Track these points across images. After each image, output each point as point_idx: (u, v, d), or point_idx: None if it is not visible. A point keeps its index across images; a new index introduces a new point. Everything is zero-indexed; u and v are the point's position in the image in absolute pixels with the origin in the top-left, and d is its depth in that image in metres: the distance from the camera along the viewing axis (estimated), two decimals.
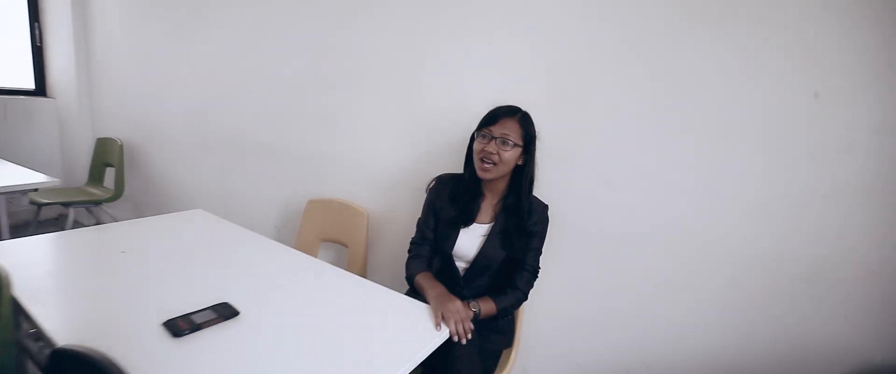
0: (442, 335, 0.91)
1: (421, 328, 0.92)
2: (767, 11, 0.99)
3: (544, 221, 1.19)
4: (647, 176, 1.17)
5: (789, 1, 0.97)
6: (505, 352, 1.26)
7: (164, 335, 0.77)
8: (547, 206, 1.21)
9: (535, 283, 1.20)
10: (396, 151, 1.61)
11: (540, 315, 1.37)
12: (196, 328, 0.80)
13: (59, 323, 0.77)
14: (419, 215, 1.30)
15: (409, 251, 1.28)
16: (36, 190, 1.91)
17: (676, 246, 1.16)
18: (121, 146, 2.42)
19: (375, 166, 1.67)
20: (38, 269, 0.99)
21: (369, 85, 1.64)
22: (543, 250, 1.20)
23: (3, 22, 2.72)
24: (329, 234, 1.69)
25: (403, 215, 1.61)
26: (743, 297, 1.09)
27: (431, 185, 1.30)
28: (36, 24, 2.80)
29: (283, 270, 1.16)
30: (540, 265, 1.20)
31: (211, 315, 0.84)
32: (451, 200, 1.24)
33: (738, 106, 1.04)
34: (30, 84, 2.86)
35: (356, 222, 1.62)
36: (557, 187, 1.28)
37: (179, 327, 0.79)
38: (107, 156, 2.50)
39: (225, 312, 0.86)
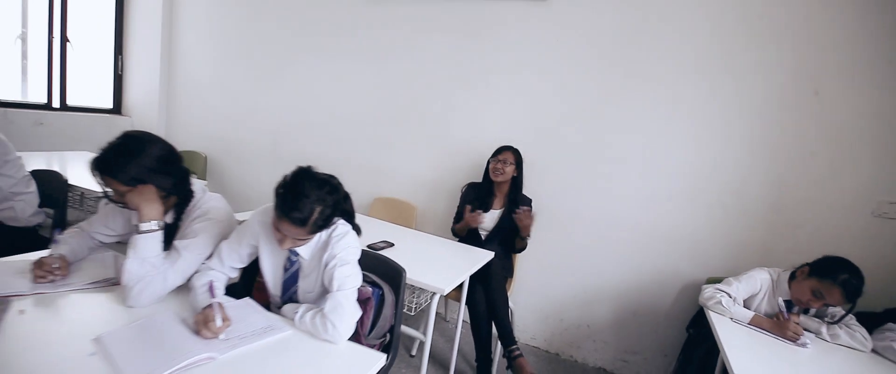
0: (487, 255, 1.86)
1: (468, 255, 1.87)
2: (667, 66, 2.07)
3: (529, 206, 2.20)
4: (595, 185, 2.22)
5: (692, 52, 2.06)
6: (508, 280, 2.24)
7: None
8: (531, 199, 2.21)
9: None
10: (433, 167, 2.57)
11: (525, 261, 2.36)
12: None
13: None
14: (452, 207, 2.27)
15: (453, 223, 2.24)
16: None
17: (613, 225, 2.21)
18: (205, 158, 3.16)
19: (418, 176, 2.61)
20: None
21: (414, 122, 2.60)
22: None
23: (92, 54, 3.37)
24: (390, 220, 2.59)
25: (439, 208, 2.56)
26: (643, 253, 2.16)
27: (464, 189, 2.28)
28: (119, 56, 3.47)
29: (387, 231, 2.05)
30: (528, 237, 2.19)
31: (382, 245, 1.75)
32: (476, 196, 2.21)
33: (664, 140, 2.12)
34: (108, 104, 3.51)
35: (409, 213, 2.55)
36: (538, 187, 2.29)
37: None
38: (190, 165, 3.22)
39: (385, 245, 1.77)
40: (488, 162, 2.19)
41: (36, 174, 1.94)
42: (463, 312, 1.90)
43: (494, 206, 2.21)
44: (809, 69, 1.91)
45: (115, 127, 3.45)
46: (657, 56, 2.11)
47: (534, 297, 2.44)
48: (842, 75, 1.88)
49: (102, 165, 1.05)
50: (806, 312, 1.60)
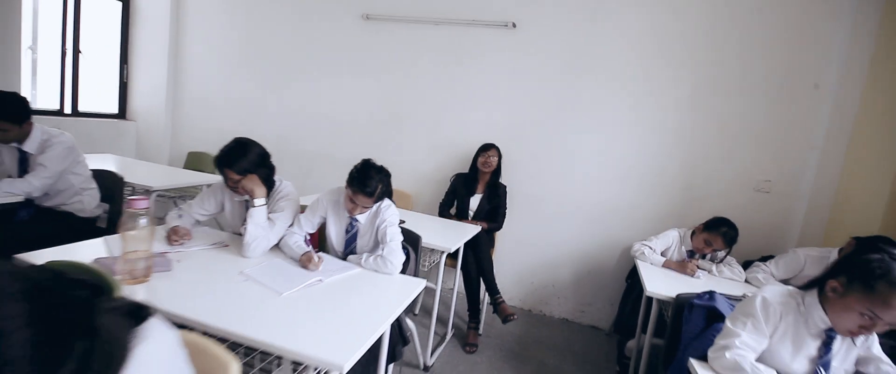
0: (476, 228, 2.41)
1: (461, 228, 2.41)
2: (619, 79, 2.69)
3: (505, 193, 2.76)
4: (556, 173, 2.82)
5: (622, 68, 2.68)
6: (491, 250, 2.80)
7: None
8: (506, 185, 2.78)
9: (504, 221, 2.77)
10: (423, 161, 3.09)
11: (503, 236, 2.93)
12: None
13: None
14: (440, 193, 2.80)
15: (442, 208, 2.77)
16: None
17: (570, 204, 2.81)
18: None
19: (413, 168, 3.12)
20: None
21: (407, 125, 3.11)
22: (508, 205, 2.77)
23: (97, 62, 3.62)
24: None
25: (428, 195, 3.08)
26: (593, 224, 2.78)
27: (453, 178, 2.81)
28: (125, 65, 3.74)
29: None
30: (505, 212, 2.76)
31: None
32: (463, 184, 2.76)
33: (606, 137, 2.73)
34: (114, 110, 3.77)
35: (406, 199, 3.05)
36: (511, 175, 2.86)
37: None
38: (200, 165, 3.55)
39: None
40: (477, 156, 2.74)
41: (95, 174, 2.29)
42: (458, 277, 2.45)
43: (478, 191, 2.76)
44: (706, 82, 2.60)
45: (122, 131, 3.72)
46: (598, 74, 2.74)
47: (510, 264, 3.01)
48: (726, 86, 2.58)
49: (223, 161, 1.50)
50: (704, 257, 2.26)
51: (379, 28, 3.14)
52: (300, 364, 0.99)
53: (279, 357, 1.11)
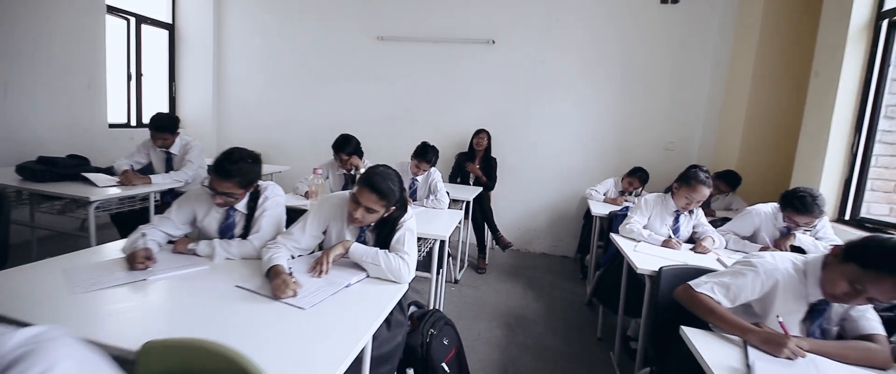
0: (478, 189, 3.47)
1: (467, 189, 3.46)
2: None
3: (496, 164, 3.84)
4: (531, 147, 3.93)
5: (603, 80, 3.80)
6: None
7: None
8: (496, 158, 3.86)
9: (496, 186, 3.85)
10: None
11: (498, 195, 4.02)
12: None
13: None
14: (445, 169, 3.85)
15: (450, 176, 3.82)
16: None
17: (543, 168, 3.94)
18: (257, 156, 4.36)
19: None
20: None
21: (414, 119, 4.11)
22: (498, 175, 3.85)
23: (153, 82, 4.38)
24: None
25: (439, 169, 4.11)
26: (559, 181, 3.92)
27: (457, 156, 3.86)
28: (173, 83, 4.50)
29: None
30: (496, 177, 3.83)
31: None
32: (465, 159, 3.82)
33: (565, 120, 3.85)
34: None
35: None
36: (499, 151, 3.94)
37: None
38: None
39: None
40: (472, 139, 3.78)
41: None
42: (469, 228, 3.52)
43: (476, 163, 3.82)
44: (628, 75, 3.77)
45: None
46: (555, 74, 3.85)
47: (501, 217, 4.08)
48: (642, 77, 3.75)
49: (340, 146, 2.47)
50: (630, 194, 3.42)
51: (390, 46, 4.10)
52: None
53: None
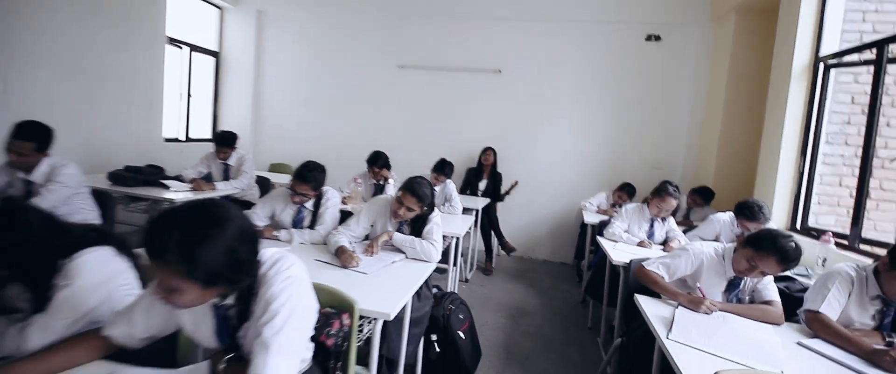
0: (486, 200, 3.97)
1: (477, 200, 3.96)
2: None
3: (501, 178, 4.34)
4: (533, 162, 4.43)
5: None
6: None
7: None
8: (501, 173, 4.36)
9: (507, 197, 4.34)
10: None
11: (504, 206, 4.50)
12: None
13: None
14: (458, 180, 4.36)
15: (461, 188, 4.33)
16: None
17: (543, 182, 4.43)
18: (291, 168, 4.90)
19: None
20: None
21: (431, 133, 4.64)
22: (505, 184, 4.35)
23: (199, 102, 4.96)
24: None
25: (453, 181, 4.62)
26: (558, 193, 4.41)
27: (467, 170, 4.37)
28: (216, 102, 5.08)
29: None
30: (502, 190, 4.33)
31: None
32: (473, 174, 4.32)
33: (562, 138, 4.36)
34: (208, 135, 5.10)
35: None
36: (504, 166, 4.44)
37: None
38: (280, 171, 4.93)
39: None
40: (480, 155, 4.29)
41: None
42: (478, 234, 4.00)
43: (484, 177, 4.32)
44: (619, 101, 4.28)
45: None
46: (553, 99, 4.38)
47: (506, 225, 4.57)
48: (631, 102, 4.27)
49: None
50: (618, 206, 3.88)
51: (409, 73, 4.67)
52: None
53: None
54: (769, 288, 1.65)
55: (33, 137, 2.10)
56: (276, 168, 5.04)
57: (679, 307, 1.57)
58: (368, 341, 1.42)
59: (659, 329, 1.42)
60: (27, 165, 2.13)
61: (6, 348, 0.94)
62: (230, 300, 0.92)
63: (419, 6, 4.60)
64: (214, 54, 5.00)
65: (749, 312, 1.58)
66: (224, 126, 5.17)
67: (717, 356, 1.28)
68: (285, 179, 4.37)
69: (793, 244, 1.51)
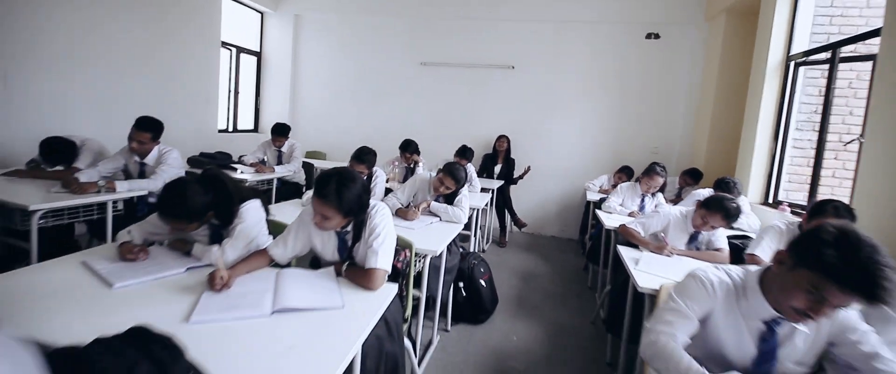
0: (500, 182, 4.51)
1: (493, 182, 4.50)
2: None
3: (514, 164, 4.87)
4: (544, 150, 4.95)
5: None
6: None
7: None
8: (514, 159, 4.89)
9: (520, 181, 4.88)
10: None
11: (517, 188, 5.04)
12: None
13: None
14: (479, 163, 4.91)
15: (478, 172, 4.88)
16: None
17: (553, 167, 4.96)
18: (325, 154, 5.50)
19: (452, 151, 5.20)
20: None
21: (451, 123, 5.18)
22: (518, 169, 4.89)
23: (243, 97, 5.57)
24: None
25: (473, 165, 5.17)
26: (565, 178, 4.93)
27: (483, 157, 4.91)
28: (258, 97, 5.70)
29: None
30: (515, 174, 4.86)
31: None
32: (489, 159, 4.86)
33: (571, 129, 4.88)
34: (251, 126, 5.72)
35: None
36: (517, 153, 4.97)
37: None
38: (315, 158, 5.54)
39: None
40: (495, 142, 4.82)
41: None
42: (493, 213, 4.54)
43: (498, 162, 4.85)
44: (622, 93, 4.75)
45: (258, 139, 5.70)
46: (563, 91, 4.87)
47: (519, 207, 5.12)
48: (632, 95, 4.73)
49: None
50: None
51: (432, 70, 5.20)
52: None
53: None
54: (720, 239, 2.17)
55: (150, 129, 2.71)
56: (311, 155, 5.65)
57: (646, 251, 2.11)
58: (419, 274, 2.00)
59: (630, 265, 1.96)
60: (144, 151, 2.75)
61: (209, 259, 1.52)
62: (349, 228, 1.50)
63: (441, 9, 5.11)
64: (256, 54, 5.60)
65: (701, 255, 2.11)
66: (265, 119, 5.80)
67: (669, 279, 1.82)
68: (323, 164, 4.99)
69: (734, 205, 2.03)
